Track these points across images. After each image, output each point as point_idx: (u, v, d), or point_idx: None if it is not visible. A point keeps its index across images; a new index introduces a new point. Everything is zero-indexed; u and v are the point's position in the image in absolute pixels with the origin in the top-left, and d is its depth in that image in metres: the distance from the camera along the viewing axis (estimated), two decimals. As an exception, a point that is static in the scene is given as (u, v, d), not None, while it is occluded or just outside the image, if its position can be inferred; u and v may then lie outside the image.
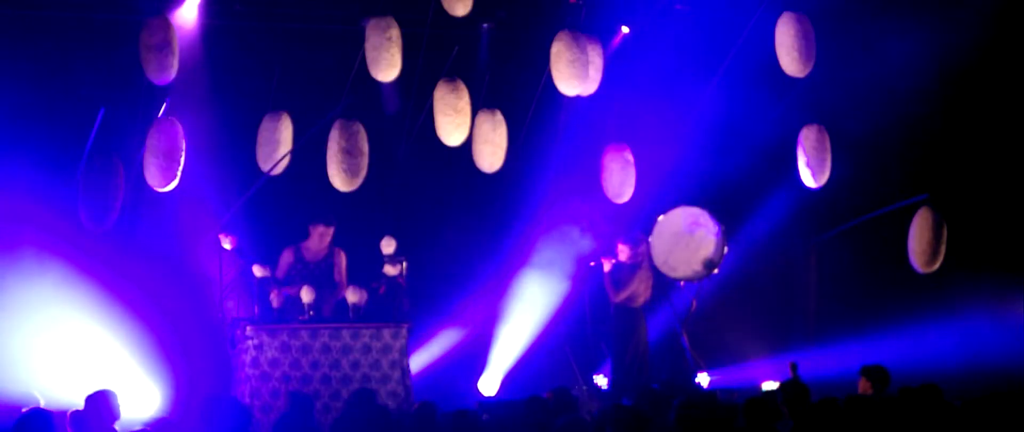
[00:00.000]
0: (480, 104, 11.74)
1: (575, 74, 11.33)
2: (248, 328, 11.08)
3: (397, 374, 11.26)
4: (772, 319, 14.41)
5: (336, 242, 11.82)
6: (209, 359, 12.00)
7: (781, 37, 11.49)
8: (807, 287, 14.51)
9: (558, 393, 9.01)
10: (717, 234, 12.50)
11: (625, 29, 13.20)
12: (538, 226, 13.31)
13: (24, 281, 11.71)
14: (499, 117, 11.65)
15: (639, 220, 12.90)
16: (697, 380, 12.51)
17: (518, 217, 13.38)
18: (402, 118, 12.99)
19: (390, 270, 11.51)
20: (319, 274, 11.60)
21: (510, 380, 13.07)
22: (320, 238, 11.69)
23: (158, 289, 12.35)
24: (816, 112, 12.31)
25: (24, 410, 8.05)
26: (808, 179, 12.17)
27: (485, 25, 12.91)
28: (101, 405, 8.59)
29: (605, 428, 7.39)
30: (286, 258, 11.64)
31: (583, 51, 11.39)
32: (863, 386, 9.62)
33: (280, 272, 11.59)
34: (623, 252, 12.49)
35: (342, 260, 11.79)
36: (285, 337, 11.07)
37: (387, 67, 10.97)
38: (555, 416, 7.83)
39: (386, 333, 11.28)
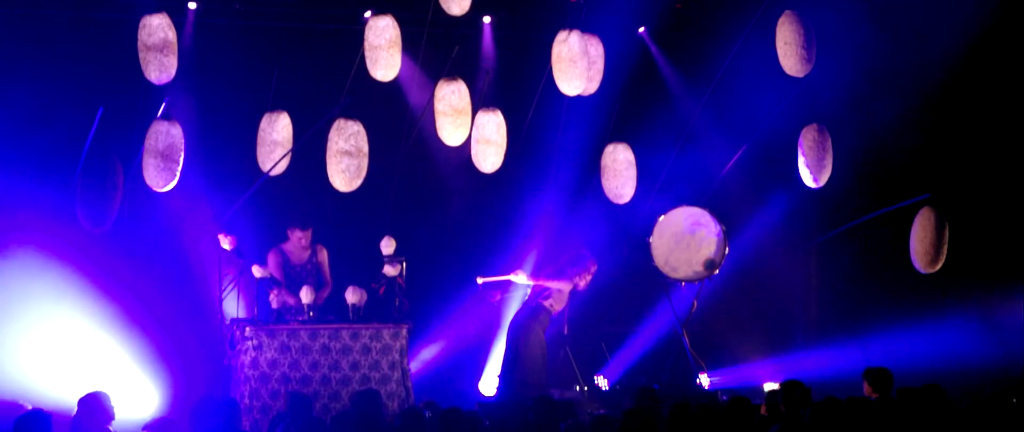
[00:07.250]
0: (480, 104, 11.73)
1: (576, 73, 11.32)
2: (247, 329, 11.06)
3: (397, 375, 11.23)
4: (772, 319, 14.38)
5: (327, 242, 11.79)
6: (208, 360, 11.97)
7: (781, 37, 11.48)
8: (807, 287, 14.49)
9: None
10: (718, 234, 12.47)
11: (641, 29, 13.21)
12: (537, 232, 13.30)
13: (22, 282, 11.70)
14: (499, 117, 11.63)
15: (639, 220, 12.88)
16: (698, 381, 12.49)
17: (518, 217, 13.35)
18: (402, 118, 12.97)
19: (390, 270, 11.49)
20: (306, 276, 11.56)
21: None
22: (298, 241, 11.65)
23: (157, 290, 12.33)
24: (816, 112, 12.29)
25: (23, 410, 8.03)
26: (808, 179, 12.15)
27: (487, 19, 12.87)
28: (95, 407, 8.55)
29: (604, 429, 7.38)
30: (273, 261, 11.58)
31: (584, 51, 11.37)
32: (867, 390, 9.60)
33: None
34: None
35: (324, 257, 11.73)
36: (284, 338, 11.05)
37: (387, 67, 10.98)
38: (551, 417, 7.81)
39: (386, 333, 11.26)
